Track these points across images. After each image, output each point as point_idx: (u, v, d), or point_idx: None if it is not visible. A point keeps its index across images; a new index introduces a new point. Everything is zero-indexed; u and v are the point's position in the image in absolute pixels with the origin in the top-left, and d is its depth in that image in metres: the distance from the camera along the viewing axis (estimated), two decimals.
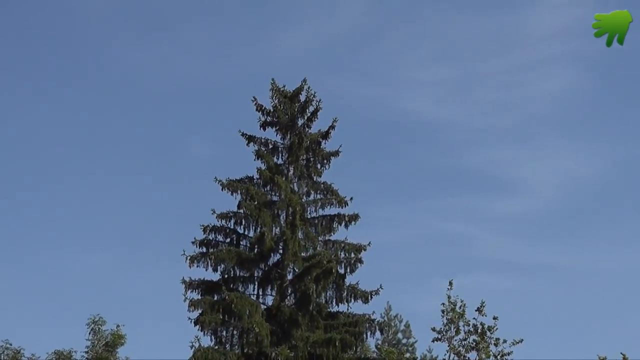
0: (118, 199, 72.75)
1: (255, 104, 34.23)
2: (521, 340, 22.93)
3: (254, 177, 33.32)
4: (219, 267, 31.83)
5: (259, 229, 32.27)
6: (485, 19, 79.40)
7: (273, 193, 33.24)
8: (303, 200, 33.14)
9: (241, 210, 32.44)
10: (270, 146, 34.00)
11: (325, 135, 34.06)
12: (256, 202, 32.38)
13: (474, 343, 23.26)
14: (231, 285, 31.85)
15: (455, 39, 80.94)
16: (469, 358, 23.20)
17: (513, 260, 70.83)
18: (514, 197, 76.97)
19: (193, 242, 32.00)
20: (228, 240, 32.65)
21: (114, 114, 76.45)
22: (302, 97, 34.51)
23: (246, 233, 32.75)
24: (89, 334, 33.82)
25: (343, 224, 33.09)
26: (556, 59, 77.11)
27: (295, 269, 31.98)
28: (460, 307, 23.47)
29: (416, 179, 78.18)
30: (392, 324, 47.50)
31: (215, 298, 31.21)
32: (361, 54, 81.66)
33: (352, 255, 32.49)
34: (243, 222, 32.60)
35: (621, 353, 22.77)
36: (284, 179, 33.08)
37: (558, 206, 76.22)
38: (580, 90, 78.63)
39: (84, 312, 47.95)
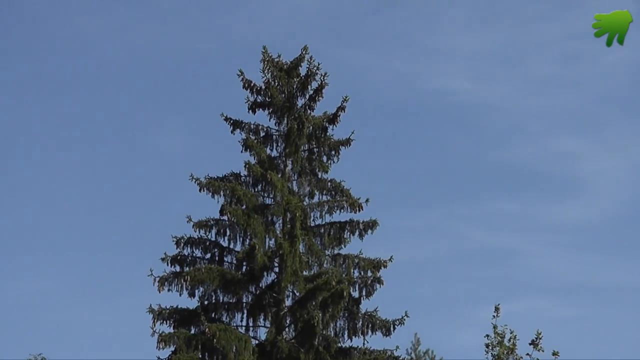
0: (65, 206, 66.76)
1: (242, 79, 31.84)
2: None
3: (241, 174, 31.20)
4: (196, 291, 29.84)
5: (247, 241, 30.19)
6: None
7: (266, 194, 31.20)
8: (305, 203, 31.04)
9: (225, 217, 30.31)
10: (262, 134, 31.82)
11: (333, 119, 31.67)
12: (244, 207, 30.18)
13: None
14: (212, 315, 29.85)
15: None
16: None
17: (576, 280, 65.90)
18: (576, 201, 71.29)
19: (163, 259, 29.85)
20: (208, 255, 30.53)
21: (59, 96, 70.80)
22: (303, 71, 32.00)
23: (231, 246, 30.67)
24: None
25: (357, 233, 31.02)
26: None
27: (295, 292, 30.07)
28: (509, 340, 21.65)
29: (450, 177, 73.09)
30: None
31: (192, 331, 29.24)
32: (378, 16, 76.78)
33: (369, 273, 30.54)
34: (227, 233, 30.56)
35: None
36: (279, 175, 30.94)
37: (633, 212, 71.15)
38: None
39: (22, 350, 45.61)
